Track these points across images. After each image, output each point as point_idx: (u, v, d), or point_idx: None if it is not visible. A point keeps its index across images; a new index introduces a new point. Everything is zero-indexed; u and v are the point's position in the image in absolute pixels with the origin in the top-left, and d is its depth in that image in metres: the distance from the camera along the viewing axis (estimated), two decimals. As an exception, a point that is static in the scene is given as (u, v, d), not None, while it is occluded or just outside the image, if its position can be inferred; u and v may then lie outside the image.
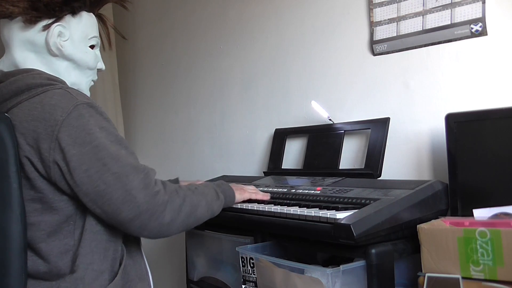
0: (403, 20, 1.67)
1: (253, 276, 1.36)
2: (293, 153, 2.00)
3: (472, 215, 1.23)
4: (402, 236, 1.25)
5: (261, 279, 1.33)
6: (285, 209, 1.32)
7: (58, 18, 1.23)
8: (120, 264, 1.20)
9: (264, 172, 1.99)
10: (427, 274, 1.08)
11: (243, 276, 1.39)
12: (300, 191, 1.52)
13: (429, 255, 1.09)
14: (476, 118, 1.35)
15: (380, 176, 1.57)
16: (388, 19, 1.71)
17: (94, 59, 1.33)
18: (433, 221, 1.20)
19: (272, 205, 1.40)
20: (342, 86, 1.86)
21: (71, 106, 1.11)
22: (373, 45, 1.75)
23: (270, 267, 1.30)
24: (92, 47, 1.33)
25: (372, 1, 1.75)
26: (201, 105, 2.50)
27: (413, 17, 1.64)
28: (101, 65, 1.36)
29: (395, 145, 1.66)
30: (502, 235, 0.99)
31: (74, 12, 1.26)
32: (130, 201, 1.10)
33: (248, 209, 1.45)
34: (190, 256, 1.86)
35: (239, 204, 1.49)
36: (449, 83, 1.56)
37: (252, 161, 2.22)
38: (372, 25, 1.75)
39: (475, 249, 1.02)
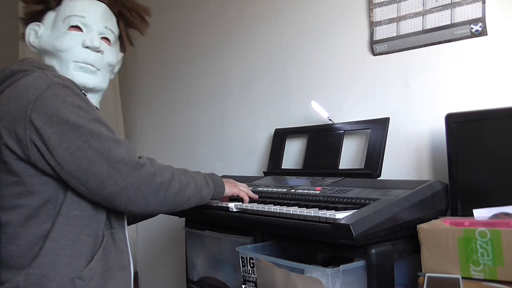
0: (403, 20, 1.67)
1: (253, 276, 1.35)
2: (293, 153, 2.00)
3: (472, 215, 1.23)
4: (402, 236, 1.25)
5: (261, 279, 1.33)
6: (284, 209, 1.32)
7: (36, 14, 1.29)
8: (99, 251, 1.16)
9: (264, 172, 1.99)
10: (427, 274, 1.08)
11: (243, 276, 1.39)
12: (300, 191, 1.52)
13: (429, 255, 1.09)
14: (476, 118, 1.35)
15: (379, 176, 1.57)
16: (388, 19, 1.71)
17: (71, 38, 1.23)
18: (433, 221, 1.20)
19: (272, 205, 1.40)
20: (342, 86, 1.86)
21: (44, 85, 1.08)
22: (373, 45, 1.75)
23: (270, 267, 1.30)
24: (74, 27, 1.25)
25: (372, 1, 1.75)
26: (201, 105, 2.50)
27: (413, 17, 1.64)
28: (89, 42, 1.23)
29: (395, 145, 1.66)
30: (502, 235, 0.99)
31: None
32: (115, 175, 1.08)
33: (248, 209, 1.44)
34: (190, 256, 1.86)
35: (239, 204, 1.48)
36: (449, 83, 1.56)
37: (252, 161, 2.22)
38: (372, 25, 1.75)
39: (475, 249, 1.02)
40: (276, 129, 2.04)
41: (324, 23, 1.93)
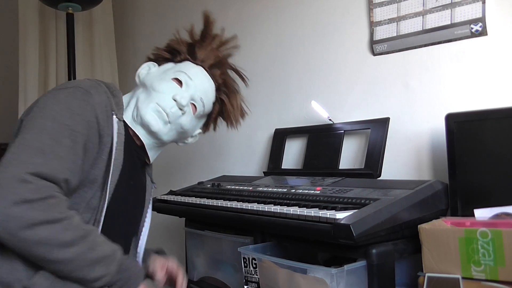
0: (403, 20, 1.67)
1: (256, 276, 1.35)
2: (293, 153, 2.00)
3: (472, 215, 1.23)
4: (402, 236, 1.25)
5: (263, 279, 1.33)
6: (285, 209, 1.32)
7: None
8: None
9: (264, 172, 1.99)
10: (427, 274, 1.08)
11: (245, 276, 1.39)
12: (300, 191, 1.52)
13: (430, 255, 1.09)
14: (476, 118, 1.35)
15: (380, 176, 1.57)
16: (388, 19, 1.71)
17: (169, 86, 1.25)
18: (434, 221, 1.20)
19: (272, 205, 1.40)
20: (342, 86, 1.86)
21: (70, 85, 1.08)
22: (373, 45, 1.75)
23: (273, 268, 1.30)
24: (177, 81, 1.27)
25: (372, 1, 1.75)
26: (201, 105, 2.50)
27: (413, 17, 1.64)
28: (179, 98, 1.23)
29: (395, 145, 1.66)
30: (504, 236, 0.99)
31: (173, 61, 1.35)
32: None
33: (248, 209, 1.44)
34: (190, 256, 1.86)
35: (239, 204, 1.48)
36: (449, 83, 1.56)
37: (252, 161, 2.21)
38: (372, 25, 1.75)
39: (476, 249, 1.02)
40: (276, 129, 2.04)
41: (324, 23, 1.93)
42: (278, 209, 1.34)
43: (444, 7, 1.56)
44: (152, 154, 1.32)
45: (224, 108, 1.39)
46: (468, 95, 1.52)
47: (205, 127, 1.43)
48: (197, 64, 1.33)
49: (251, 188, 1.70)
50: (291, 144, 2.00)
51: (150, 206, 1.39)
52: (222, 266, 1.70)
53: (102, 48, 2.95)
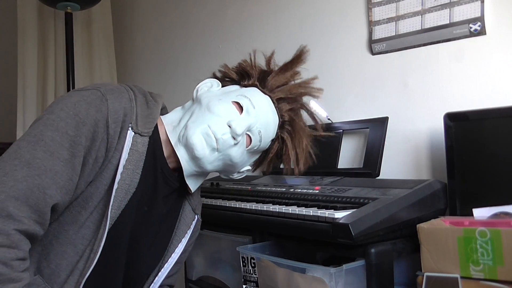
0: (402, 19, 1.66)
1: (254, 276, 1.35)
2: (292, 152, 1.99)
3: (470, 214, 1.23)
4: (401, 236, 1.25)
5: (262, 279, 1.33)
6: (283, 209, 1.32)
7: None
8: None
9: (262, 171, 1.98)
10: (426, 274, 1.08)
11: (244, 276, 1.39)
12: (299, 190, 1.52)
13: (429, 255, 1.09)
14: (475, 117, 1.35)
15: (378, 176, 1.57)
16: (387, 18, 1.70)
17: (226, 110, 1.08)
18: (432, 220, 1.20)
19: (271, 204, 1.40)
20: (341, 85, 1.86)
21: (90, 87, 0.98)
22: (372, 44, 1.74)
23: (272, 267, 1.29)
24: (238, 105, 1.10)
25: (371, 1, 1.75)
26: (200, 104, 2.50)
27: (412, 17, 1.64)
28: (235, 125, 1.05)
29: (394, 144, 1.66)
30: (502, 235, 0.99)
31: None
32: None
33: (247, 209, 1.44)
34: (189, 255, 1.86)
35: (237, 203, 1.48)
36: (447, 83, 1.56)
37: (251, 160, 2.21)
38: (371, 24, 1.75)
39: (475, 248, 1.02)
40: (274, 129, 2.04)
41: (323, 23, 1.93)
42: (276, 208, 1.34)
43: (442, 6, 1.56)
44: (191, 183, 1.15)
45: (284, 149, 1.18)
46: (466, 94, 1.52)
47: (256, 165, 1.23)
48: (265, 93, 1.15)
49: (249, 187, 1.70)
50: (290, 143, 1.99)
51: (184, 242, 1.20)
52: (221, 266, 1.70)
53: (100, 47, 2.95)
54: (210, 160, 1.07)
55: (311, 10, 1.97)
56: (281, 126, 1.16)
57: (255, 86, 1.16)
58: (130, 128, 0.98)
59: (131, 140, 0.98)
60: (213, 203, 1.56)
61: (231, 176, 1.22)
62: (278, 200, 1.45)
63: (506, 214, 1.16)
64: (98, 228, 0.95)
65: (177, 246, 1.18)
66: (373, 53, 1.75)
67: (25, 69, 2.58)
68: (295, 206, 1.32)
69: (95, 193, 0.95)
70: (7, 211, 0.81)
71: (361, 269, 1.17)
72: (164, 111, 1.18)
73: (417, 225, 1.13)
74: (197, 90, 1.17)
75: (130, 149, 0.97)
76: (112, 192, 0.95)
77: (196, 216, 1.23)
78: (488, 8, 1.47)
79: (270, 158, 1.20)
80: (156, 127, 1.05)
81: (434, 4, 1.58)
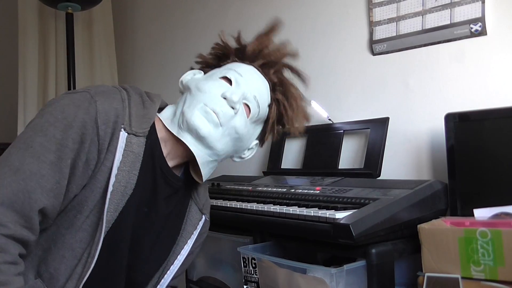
0: (403, 20, 1.67)
1: (255, 276, 1.35)
2: (293, 153, 1.99)
3: (471, 214, 1.23)
4: (402, 236, 1.25)
5: (263, 279, 1.33)
6: (284, 209, 1.32)
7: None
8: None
9: (263, 172, 1.99)
10: (426, 274, 1.08)
11: (244, 276, 1.39)
12: (300, 191, 1.52)
13: (430, 255, 1.09)
14: (475, 118, 1.35)
15: (379, 176, 1.57)
16: (388, 19, 1.70)
17: (216, 85, 1.06)
18: (433, 221, 1.20)
19: (272, 205, 1.40)
20: (342, 86, 1.86)
21: (81, 89, 0.96)
22: (373, 45, 1.74)
23: (272, 267, 1.29)
24: (225, 79, 1.09)
25: (371, 1, 1.75)
26: (200, 105, 2.50)
27: (412, 17, 1.64)
28: (229, 94, 1.03)
29: (395, 144, 1.66)
30: (503, 235, 0.99)
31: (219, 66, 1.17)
32: None
33: (248, 209, 1.44)
34: (190, 256, 1.86)
35: (238, 204, 1.48)
36: (448, 83, 1.56)
37: (251, 161, 2.21)
38: (372, 25, 1.75)
39: (476, 249, 1.02)
40: (275, 129, 2.04)
41: (324, 23, 1.93)
42: (277, 208, 1.34)
43: (443, 7, 1.56)
44: (205, 170, 1.10)
45: (283, 111, 1.15)
46: (467, 94, 1.52)
47: (262, 137, 1.20)
48: (247, 64, 1.15)
49: (250, 188, 1.70)
50: (291, 144, 2.00)
51: (190, 244, 1.17)
52: (221, 266, 1.70)
53: (101, 47, 2.95)
54: (217, 136, 1.04)
55: (312, 10, 1.97)
56: (272, 89, 1.15)
57: (235, 61, 1.16)
58: (122, 129, 0.94)
59: (125, 141, 0.95)
60: (214, 204, 1.56)
61: (242, 156, 1.18)
62: (279, 200, 1.45)
63: (507, 214, 1.16)
64: (95, 231, 0.94)
65: (183, 248, 1.15)
66: (373, 54, 1.75)
67: (26, 70, 2.58)
68: (296, 207, 1.32)
69: (90, 196, 0.93)
70: None
71: (362, 270, 1.17)
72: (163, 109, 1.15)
73: (418, 226, 1.13)
74: (181, 82, 1.15)
75: (124, 150, 0.95)
76: (107, 194, 0.93)
77: (203, 217, 1.19)
78: (489, 8, 1.47)
79: (272, 124, 1.16)
80: (153, 126, 1.03)
81: (435, 5, 1.58)
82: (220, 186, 1.82)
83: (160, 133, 1.05)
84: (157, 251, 1.11)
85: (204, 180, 1.12)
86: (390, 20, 1.70)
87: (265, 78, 1.14)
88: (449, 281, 1.04)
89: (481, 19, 1.47)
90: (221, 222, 1.57)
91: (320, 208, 1.26)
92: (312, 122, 1.90)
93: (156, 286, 1.13)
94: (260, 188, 1.66)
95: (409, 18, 1.65)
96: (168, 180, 1.07)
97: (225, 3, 2.37)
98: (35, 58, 2.61)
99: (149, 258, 1.10)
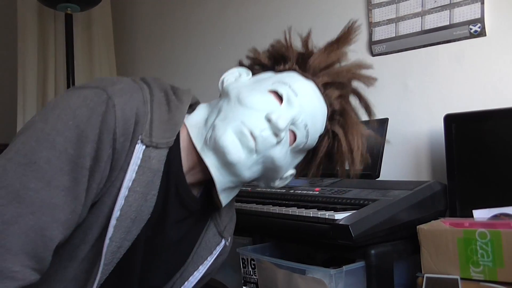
0: (402, 20, 1.67)
1: (254, 277, 1.35)
2: (292, 153, 1.99)
3: (470, 215, 1.23)
4: (401, 237, 1.25)
5: (262, 280, 1.33)
6: (283, 210, 1.32)
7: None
8: None
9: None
10: (426, 275, 1.08)
11: (243, 277, 1.39)
12: (299, 191, 1.52)
13: (429, 256, 1.09)
14: (474, 118, 1.35)
15: (378, 177, 1.57)
16: (387, 19, 1.71)
17: (263, 101, 0.85)
18: (432, 222, 1.20)
19: (271, 205, 1.40)
20: (341, 86, 1.86)
21: (92, 84, 0.76)
22: (372, 46, 1.74)
23: (272, 268, 1.29)
24: (276, 94, 0.87)
25: (371, 2, 1.75)
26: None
27: (412, 18, 1.64)
28: (276, 118, 0.82)
29: (394, 145, 1.65)
30: (502, 236, 0.99)
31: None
32: None
33: (247, 210, 1.44)
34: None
35: (237, 205, 1.48)
36: (448, 84, 1.56)
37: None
38: (371, 25, 1.75)
39: (475, 250, 1.02)
40: (274, 130, 2.03)
41: (323, 24, 1.93)
42: (276, 209, 1.34)
43: (443, 7, 1.56)
44: (224, 197, 0.90)
45: (337, 146, 0.94)
46: (466, 95, 1.52)
47: (303, 168, 0.99)
48: (307, 77, 0.92)
49: (249, 188, 1.70)
50: (290, 144, 1.99)
51: (202, 271, 0.98)
52: (220, 267, 1.69)
53: (100, 48, 2.95)
54: (248, 164, 0.84)
55: (311, 11, 1.97)
56: (330, 118, 0.94)
57: (294, 70, 0.94)
58: (139, 141, 0.75)
59: (141, 155, 0.76)
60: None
61: (272, 184, 0.96)
62: (278, 201, 1.45)
63: (506, 215, 1.16)
64: (94, 263, 0.77)
65: (193, 274, 0.98)
66: (373, 55, 1.75)
67: (25, 71, 2.58)
68: (295, 207, 1.31)
69: (94, 223, 0.76)
70: None
71: (361, 271, 1.17)
72: (194, 107, 0.94)
73: (417, 227, 1.13)
74: (222, 82, 0.95)
75: (139, 166, 0.76)
76: (110, 221, 0.75)
77: (222, 241, 1.01)
78: (488, 9, 1.47)
79: (319, 159, 0.96)
80: (178, 137, 0.83)
81: (434, 6, 1.58)
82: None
83: (184, 142, 0.85)
84: (160, 276, 0.95)
85: (223, 206, 0.93)
86: (390, 21, 1.70)
87: (325, 101, 0.92)
88: (448, 282, 1.04)
89: (481, 20, 1.47)
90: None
91: (319, 209, 1.26)
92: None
93: None
94: (259, 189, 1.66)
95: (409, 19, 1.65)
96: (184, 201, 0.87)
97: (225, 5, 2.37)
98: (34, 58, 2.61)
99: (152, 281, 0.94)
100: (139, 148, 0.75)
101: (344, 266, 1.15)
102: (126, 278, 0.85)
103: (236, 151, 0.81)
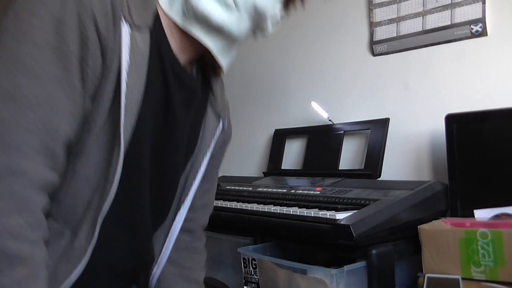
0: (403, 20, 1.66)
1: (255, 277, 1.35)
2: (293, 153, 1.99)
3: (471, 215, 1.23)
4: (402, 237, 1.25)
5: (263, 280, 1.33)
6: (284, 210, 1.32)
7: None
8: None
9: (263, 172, 1.98)
10: (427, 275, 1.08)
11: (244, 277, 1.39)
12: (300, 191, 1.52)
13: (430, 256, 1.09)
14: (476, 118, 1.35)
15: (379, 177, 1.57)
16: (388, 19, 1.70)
17: None
18: (434, 222, 1.20)
19: (272, 205, 1.40)
20: (342, 86, 1.86)
21: None
22: (373, 46, 1.74)
23: (273, 268, 1.29)
24: None
25: (372, 2, 1.75)
26: (201, 106, 2.50)
27: (413, 18, 1.64)
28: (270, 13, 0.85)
29: (395, 145, 1.66)
30: (504, 236, 0.99)
31: None
32: None
33: (248, 210, 1.44)
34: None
35: (238, 204, 1.48)
36: (449, 84, 1.56)
37: (252, 161, 2.21)
38: (372, 25, 1.75)
39: (476, 250, 1.02)
40: (276, 130, 2.04)
41: (324, 24, 1.93)
42: (278, 209, 1.34)
43: (444, 7, 1.56)
44: (225, 60, 0.88)
45: None
46: (468, 95, 1.52)
47: (287, 6, 1.00)
48: None
49: (251, 188, 1.70)
50: (291, 144, 2.00)
51: (207, 157, 0.97)
52: (222, 267, 1.70)
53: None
54: (233, 21, 0.81)
55: (312, 11, 1.97)
56: None
57: None
58: (122, 19, 0.71)
59: (129, 37, 0.72)
60: (214, 204, 1.55)
61: (266, 33, 0.94)
62: (279, 201, 1.45)
63: (507, 215, 1.16)
64: (109, 154, 0.74)
65: (201, 167, 0.97)
66: (374, 54, 1.75)
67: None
68: (296, 207, 1.32)
69: (97, 112, 0.72)
70: (8, 167, 0.62)
71: (362, 270, 1.17)
72: None
73: (418, 226, 1.13)
74: None
75: (129, 48, 0.72)
76: (120, 106, 0.71)
77: (221, 124, 1.00)
78: (489, 9, 1.47)
79: None
80: (157, 17, 0.79)
81: (435, 5, 1.58)
82: (220, 187, 1.82)
83: (164, 21, 0.81)
84: (177, 164, 0.93)
85: (225, 69, 0.91)
86: (391, 21, 1.70)
87: None
88: (450, 282, 1.04)
89: (482, 20, 1.47)
90: (221, 222, 1.57)
91: (321, 208, 1.26)
92: (313, 123, 1.90)
93: (180, 205, 0.98)
94: (261, 189, 1.66)
95: (410, 18, 1.65)
96: (182, 80, 0.85)
97: None
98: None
99: (171, 187, 0.94)
100: (125, 29, 0.71)
101: (345, 266, 1.15)
102: (143, 172, 0.83)
103: (217, 13, 0.78)
